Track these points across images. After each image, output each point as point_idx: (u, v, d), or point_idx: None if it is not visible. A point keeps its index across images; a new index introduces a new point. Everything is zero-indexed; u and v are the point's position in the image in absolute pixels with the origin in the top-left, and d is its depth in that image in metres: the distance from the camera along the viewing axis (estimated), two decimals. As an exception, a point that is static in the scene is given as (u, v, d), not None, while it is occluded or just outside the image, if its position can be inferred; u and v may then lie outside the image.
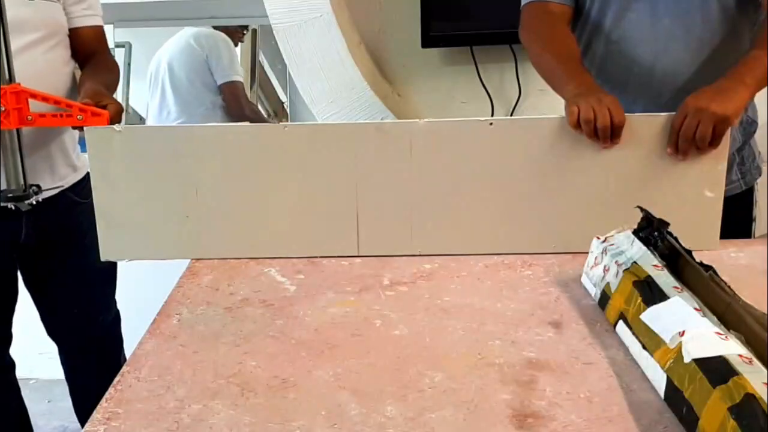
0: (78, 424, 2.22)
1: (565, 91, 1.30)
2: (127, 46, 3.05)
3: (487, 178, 1.29)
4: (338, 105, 1.97)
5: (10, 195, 1.31)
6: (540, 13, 1.44)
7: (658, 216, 1.09)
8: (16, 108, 1.26)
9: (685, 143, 1.21)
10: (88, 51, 1.56)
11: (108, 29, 1.67)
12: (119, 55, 2.65)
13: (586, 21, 1.46)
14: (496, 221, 1.31)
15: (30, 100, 1.28)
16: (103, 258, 1.34)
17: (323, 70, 1.92)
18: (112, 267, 1.67)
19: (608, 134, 1.22)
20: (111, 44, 1.66)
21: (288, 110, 2.73)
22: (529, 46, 1.45)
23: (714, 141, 1.20)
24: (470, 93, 2.07)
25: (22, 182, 1.32)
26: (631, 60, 1.41)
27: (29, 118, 1.28)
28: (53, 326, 1.70)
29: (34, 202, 1.33)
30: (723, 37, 1.37)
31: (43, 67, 1.43)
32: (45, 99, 1.30)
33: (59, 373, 2.28)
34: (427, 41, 2.03)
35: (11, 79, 1.27)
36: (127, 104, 2.73)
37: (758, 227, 1.36)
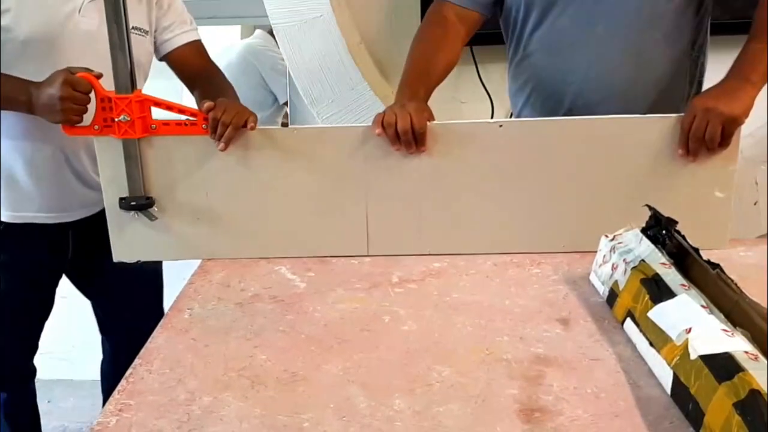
0: (78, 424, 2.24)
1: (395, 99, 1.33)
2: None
3: (496, 179, 1.30)
4: (338, 105, 1.97)
5: (134, 203, 1.30)
6: (434, 14, 1.44)
7: (667, 216, 1.09)
8: (140, 117, 1.24)
9: (695, 144, 1.22)
10: (194, 69, 1.52)
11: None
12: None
13: (521, 29, 1.44)
14: (505, 221, 1.31)
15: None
16: (115, 259, 1.35)
17: (323, 70, 1.92)
18: (158, 275, 1.67)
19: (410, 137, 1.23)
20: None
21: (288, 110, 2.72)
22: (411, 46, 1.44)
23: (723, 141, 1.20)
24: (470, 93, 2.06)
25: (143, 191, 1.30)
26: (566, 68, 1.41)
27: (153, 126, 1.27)
28: (106, 327, 1.71)
29: (156, 209, 1.31)
30: (658, 41, 1.37)
31: None
32: (169, 107, 1.27)
33: (59, 373, 2.29)
34: (427, 42, 2.02)
35: (133, 87, 1.25)
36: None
37: (759, 227, 1.36)
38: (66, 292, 2.00)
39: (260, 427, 0.82)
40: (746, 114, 1.19)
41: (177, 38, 1.50)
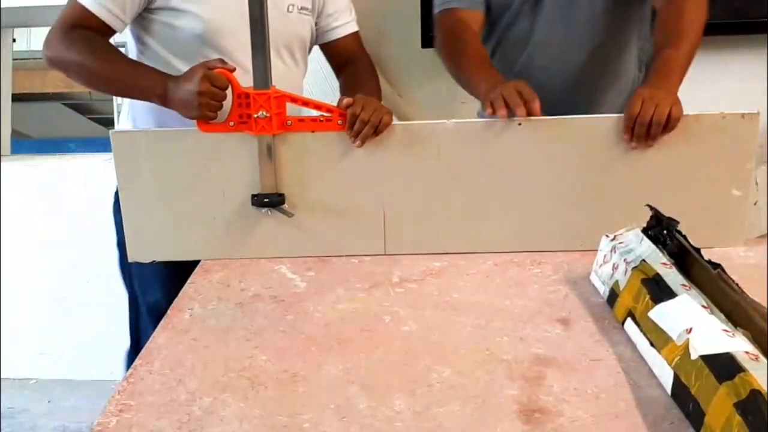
0: (78, 424, 2.22)
1: (479, 92, 1.34)
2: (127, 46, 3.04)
3: (496, 178, 1.30)
4: (339, 105, 1.98)
5: (267, 200, 1.30)
6: (452, 24, 1.48)
7: (683, 215, 1.08)
8: (277, 113, 1.24)
9: (641, 128, 1.23)
10: (346, 57, 1.53)
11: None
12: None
13: (498, 30, 1.52)
14: (505, 220, 1.31)
15: None
16: (130, 259, 1.35)
17: (323, 70, 1.93)
18: None
19: (521, 107, 1.24)
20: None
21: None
22: (445, 60, 1.48)
23: (668, 125, 1.22)
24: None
25: (276, 188, 1.30)
26: (529, 62, 1.49)
27: (289, 122, 1.26)
28: None
29: (286, 205, 1.31)
30: (608, 38, 1.47)
31: (282, 79, 1.32)
32: (305, 103, 1.28)
33: (59, 373, 2.27)
34: (427, 41, 2.02)
35: (270, 82, 1.24)
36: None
37: (759, 227, 1.36)
38: (66, 292, 2.00)
39: (260, 428, 0.82)
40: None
41: (341, 28, 1.50)
